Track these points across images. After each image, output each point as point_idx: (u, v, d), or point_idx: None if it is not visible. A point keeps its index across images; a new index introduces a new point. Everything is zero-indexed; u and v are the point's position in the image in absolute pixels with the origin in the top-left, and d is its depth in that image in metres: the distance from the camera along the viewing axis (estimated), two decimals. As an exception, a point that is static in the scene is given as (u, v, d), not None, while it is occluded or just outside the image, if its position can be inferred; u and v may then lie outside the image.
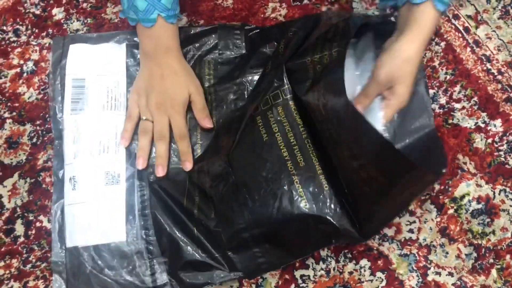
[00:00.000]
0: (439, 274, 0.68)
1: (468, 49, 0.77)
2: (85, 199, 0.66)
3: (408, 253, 0.68)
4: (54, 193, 0.68)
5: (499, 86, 0.76)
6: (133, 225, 0.66)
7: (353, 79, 0.69)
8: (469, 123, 0.74)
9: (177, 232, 0.65)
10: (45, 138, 0.72)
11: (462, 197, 0.71)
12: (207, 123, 0.69)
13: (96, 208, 0.66)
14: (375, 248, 0.69)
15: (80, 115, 0.69)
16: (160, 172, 0.66)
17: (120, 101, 0.70)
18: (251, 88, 0.71)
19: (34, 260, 0.67)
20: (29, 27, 0.78)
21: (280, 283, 0.67)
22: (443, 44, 0.78)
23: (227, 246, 0.64)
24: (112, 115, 0.69)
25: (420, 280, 0.68)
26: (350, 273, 0.68)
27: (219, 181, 0.66)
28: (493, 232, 0.69)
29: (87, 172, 0.67)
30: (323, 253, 0.68)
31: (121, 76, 0.72)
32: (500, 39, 0.78)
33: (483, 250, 0.69)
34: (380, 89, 0.63)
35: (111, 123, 0.69)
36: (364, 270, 0.68)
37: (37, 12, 0.78)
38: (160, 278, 0.64)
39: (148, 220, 0.66)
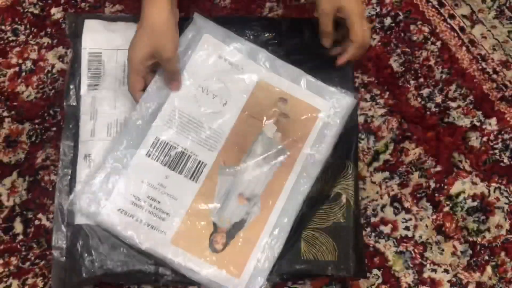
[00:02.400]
0: (434, 271, 0.68)
1: (464, 48, 0.78)
2: None
3: (404, 250, 0.69)
4: (61, 170, 0.67)
5: (494, 85, 0.76)
6: None
7: None
8: (464, 122, 0.75)
9: None
10: (44, 137, 0.73)
11: (458, 194, 0.72)
12: (174, 87, 0.67)
13: None
14: (371, 246, 0.69)
15: (97, 91, 0.69)
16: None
17: None
18: None
19: (33, 258, 0.68)
20: (28, 26, 0.78)
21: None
22: (438, 43, 0.78)
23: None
24: (127, 91, 0.68)
25: (416, 277, 0.68)
26: (347, 270, 0.68)
27: None
28: (488, 230, 0.70)
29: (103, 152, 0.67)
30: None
31: None
32: (495, 39, 0.79)
33: (478, 247, 0.69)
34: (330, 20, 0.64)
35: (127, 99, 0.69)
36: (361, 267, 0.68)
37: (36, 11, 0.79)
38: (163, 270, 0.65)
39: None
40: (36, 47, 0.77)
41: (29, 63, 0.76)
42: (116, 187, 0.64)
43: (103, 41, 0.71)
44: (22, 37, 0.78)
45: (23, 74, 0.76)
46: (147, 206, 0.64)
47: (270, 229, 0.65)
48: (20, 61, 0.76)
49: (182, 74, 0.67)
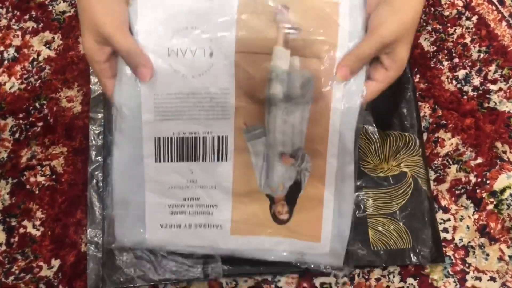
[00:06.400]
0: (479, 279, 0.60)
1: (504, 23, 0.70)
2: None
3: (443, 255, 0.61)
4: (91, 158, 0.63)
5: (541, 64, 0.68)
6: None
7: None
8: (507, 107, 0.66)
9: None
10: (29, 133, 0.65)
11: (503, 190, 0.63)
12: (144, 75, 0.50)
13: None
14: (405, 251, 0.61)
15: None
16: None
17: None
18: None
19: (17, 272, 0.60)
20: (10, 9, 0.70)
21: (297, 292, 0.60)
22: (474, 18, 0.70)
23: None
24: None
25: (458, 286, 0.60)
26: (377, 279, 0.60)
27: None
28: (540, 230, 0.62)
29: None
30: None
31: None
32: (540, 11, 0.70)
33: (530, 251, 0.61)
34: (378, 51, 0.49)
35: None
36: (393, 276, 0.61)
37: (19, -7, 0.71)
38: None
39: None
40: (19, 33, 0.69)
41: (12, 51, 0.68)
42: (146, 207, 0.56)
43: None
44: (3, 21, 0.70)
45: (5, 62, 0.68)
46: (188, 208, 0.56)
47: (332, 180, 0.55)
48: (2, 48, 0.69)
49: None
